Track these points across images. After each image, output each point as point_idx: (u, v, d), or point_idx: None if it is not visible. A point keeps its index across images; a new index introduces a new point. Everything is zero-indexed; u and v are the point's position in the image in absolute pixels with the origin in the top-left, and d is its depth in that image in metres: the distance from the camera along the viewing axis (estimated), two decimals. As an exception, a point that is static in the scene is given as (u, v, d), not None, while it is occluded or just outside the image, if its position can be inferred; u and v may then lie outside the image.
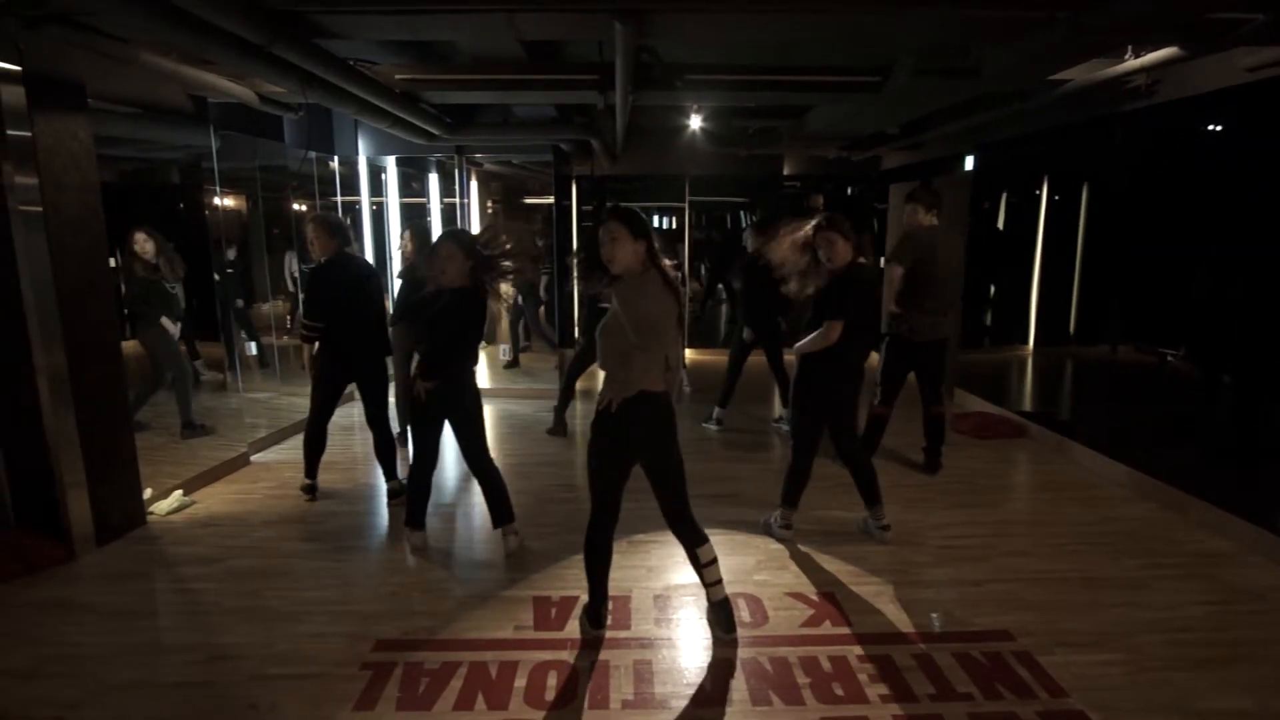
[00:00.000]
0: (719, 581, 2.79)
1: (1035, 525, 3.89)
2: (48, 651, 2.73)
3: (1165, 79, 3.97)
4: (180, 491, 4.18)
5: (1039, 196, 6.81)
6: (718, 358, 6.49)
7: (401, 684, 2.52)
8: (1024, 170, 6.73)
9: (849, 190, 9.69)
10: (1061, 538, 3.70)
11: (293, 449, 5.18)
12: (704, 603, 3.02)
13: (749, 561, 3.43)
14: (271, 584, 3.25)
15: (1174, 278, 4.54)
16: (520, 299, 8.15)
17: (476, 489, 3.65)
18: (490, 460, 3.54)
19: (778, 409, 5.75)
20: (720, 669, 2.61)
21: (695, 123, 6.21)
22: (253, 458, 4.98)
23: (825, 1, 2.87)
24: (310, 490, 4.24)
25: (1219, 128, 4.30)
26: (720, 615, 2.79)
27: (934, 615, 2.97)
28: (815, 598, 3.10)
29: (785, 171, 8.73)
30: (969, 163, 6.63)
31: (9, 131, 3.17)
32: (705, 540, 2.76)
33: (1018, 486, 4.64)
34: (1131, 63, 3.64)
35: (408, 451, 5.08)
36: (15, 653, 2.72)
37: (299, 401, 6.11)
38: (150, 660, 2.69)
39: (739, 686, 2.51)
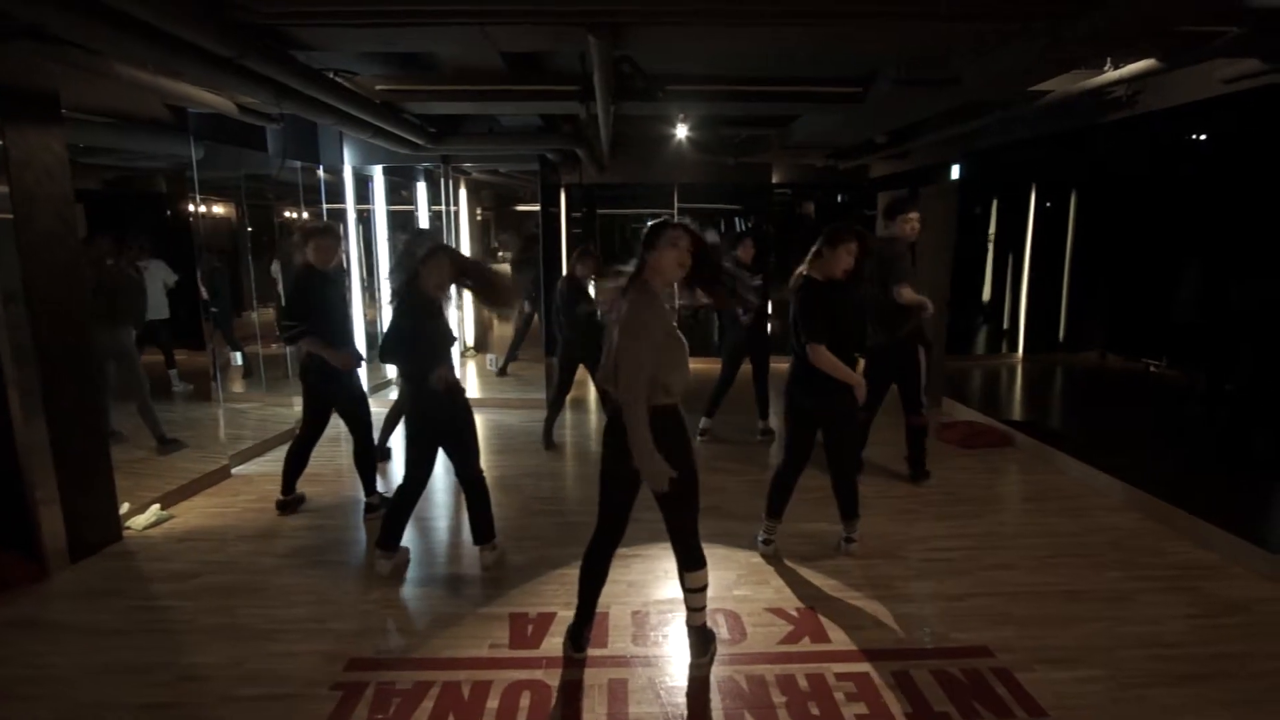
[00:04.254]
0: (699, 609, 2.68)
1: (1019, 537, 3.87)
2: (16, 672, 2.69)
3: (1145, 90, 3.98)
4: (158, 506, 4.14)
5: (1027, 204, 6.82)
6: (709, 366, 6.47)
7: (372, 705, 2.49)
8: (1012, 178, 6.74)
9: (839, 198, 9.70)
10: (1045, 549, 3.68)
11: (275, 461, 5.14)
12: (681, 619, 3.01)
13: (729, 576, 3.40)
14: (246, 601, 3.21)
15: (1156, 286, 4.54)
16: (528, 305, 8.12)
17: (457, 503, 3.62)
18: (480, 473, 3.49)
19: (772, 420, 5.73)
20: (696, 688, 2.58)
21: (682, 132, 6.21)
22: (234, 470, 4.94)
23: (796, 15, 2.86)
24: (284, 506, 4.21)
25: (1201, 137, 4.30)
26: (691, 639, 2.72)
27: (926, 630, 2.94)
28: (795, 613, 3.07)
29: (775, 179, 8.73)
30: (955, 171, 6.64)
31: (-21, 144, 3.14)
32: (698, 567, 2.65)
33: (1003, 497, 4.62)
34: (1111, 74, 3.64)
35: (386, 466, 5.07)
36: (-16, 673, 2.68)
37: (283, 412, 6.08)
38: (120, 680, 2.64)
39: (714, 706, 2.48)
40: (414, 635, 2.95)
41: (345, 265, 4.15)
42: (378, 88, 4.26)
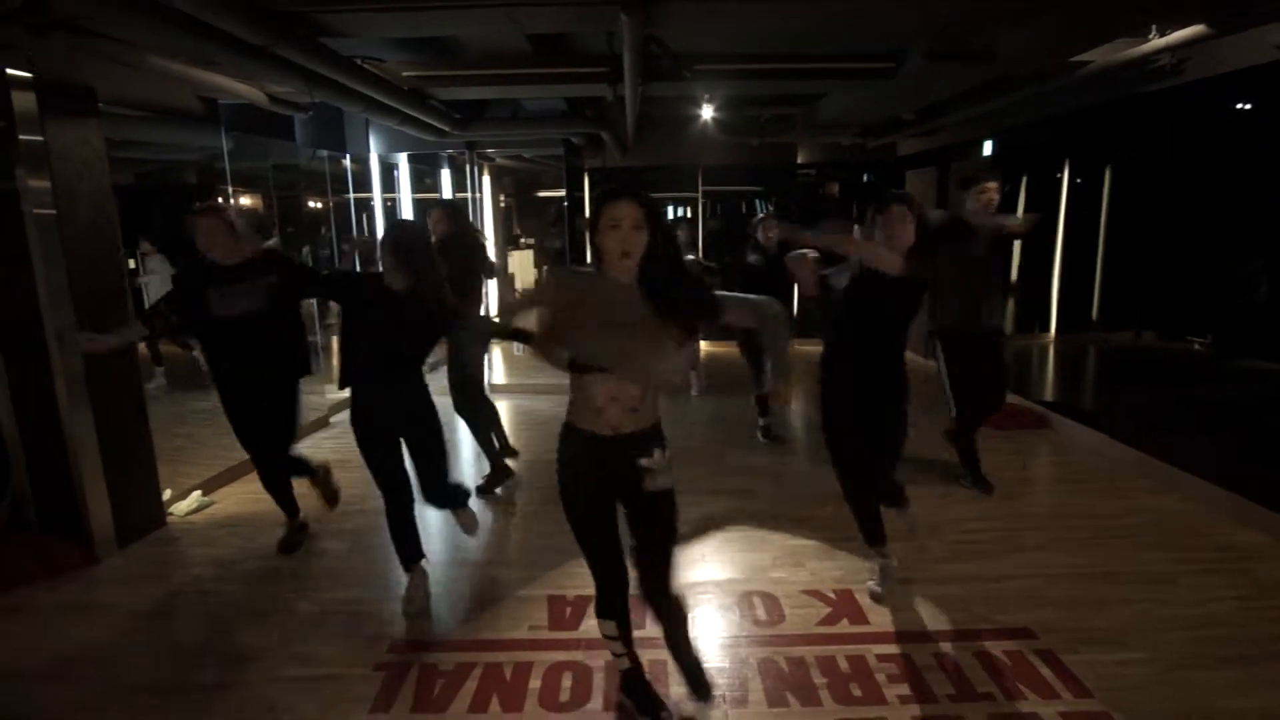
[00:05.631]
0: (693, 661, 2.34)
1: (1056, 518, 3.82)
2: (69, 653, 2.76)
3: (1192, 58, 3.85)
4: (199, 492, 4.23)
5: (1060, 180, 6.67)
6: (729, 349, 6.43)
7: (417, 686, 2.53)
8: (1045, 155, 6.59)
9: (865, 177, 9.56)
10: (1083, 531, 3.63)
11: (311, 446, 5.25)
12: (721, 600, 3.02)
13: (764, 559, 3.40)
14: (288, 585, 3.27)
15: (1200, 263, 4.42)
16: None
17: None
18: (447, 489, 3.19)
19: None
20: (736, 669, 2.59)
21: (707, 113, 6.14)
22: (270, 456, 5.02)
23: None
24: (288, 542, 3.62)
25: (1248, 106, 4.16)
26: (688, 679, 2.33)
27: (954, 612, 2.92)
28: (832, 595, 3.06)
29: (799, 159, 8.63)
30: (987, 148, 6.51)
31: (21, 137, 3.20)
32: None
33: (1038, 479, 4.55)
34: (1156, 42, 3.52)
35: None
36: (37, 655, 2.76)
37: (312, 399, 6.15)
38: (169, 662, 2.72)
39: (755, 687, 2.49)
40: (453, 618, 2.99)
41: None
42: (404, 74, 4.25)
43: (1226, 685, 2.45)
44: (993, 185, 3.79)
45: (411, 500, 3.04)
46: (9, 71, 3.17)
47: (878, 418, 2.93)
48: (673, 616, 2.27)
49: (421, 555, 3.10)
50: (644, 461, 2.05)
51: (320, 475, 3.67)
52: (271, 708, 2.45)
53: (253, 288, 3.20)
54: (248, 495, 4.37)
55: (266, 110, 4.79)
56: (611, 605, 2.25)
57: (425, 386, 3.01)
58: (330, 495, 3.71)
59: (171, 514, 4.01)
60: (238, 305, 3.19)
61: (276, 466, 3.59)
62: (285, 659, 2.71)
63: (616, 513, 2.17)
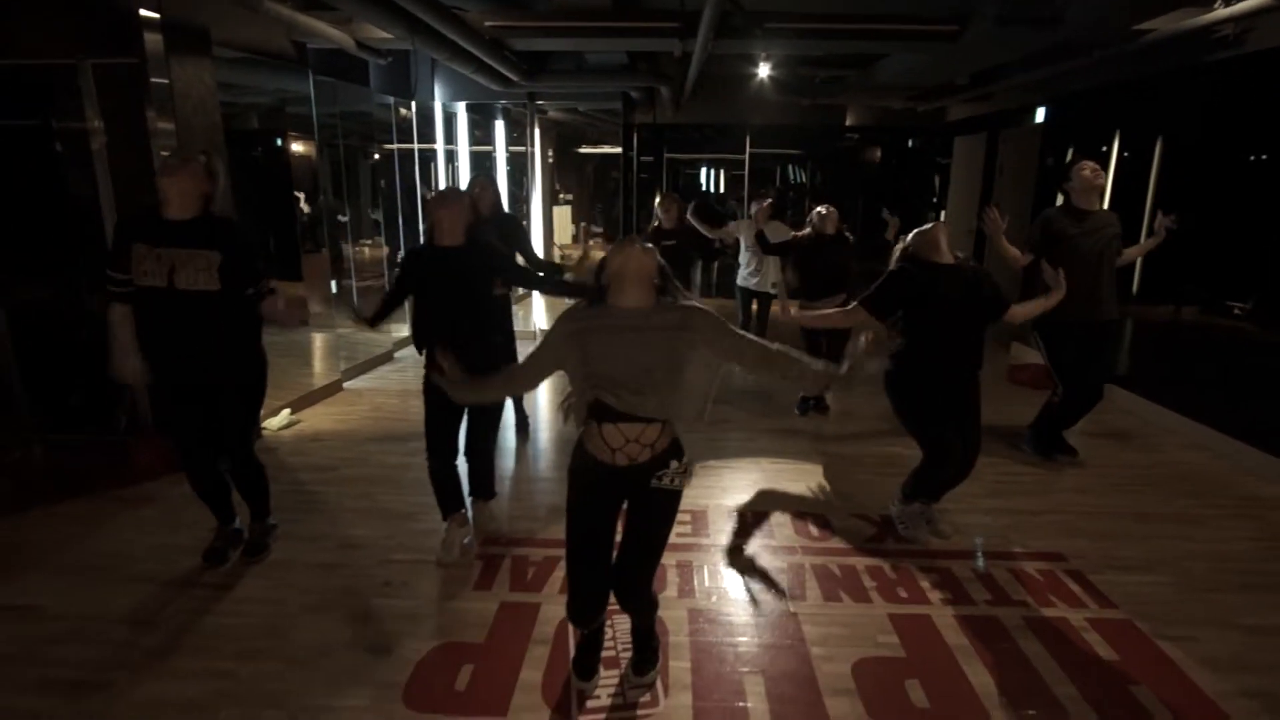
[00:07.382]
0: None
1: (1091, 467, 4.04)
2: (204, 533, 3.13)
3: (1256, 28, 3.93)
4: (289, 410, 4.60)
5: (1108, 154, 6.70)
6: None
7: (512, 572, 2.88)
8: (1098, 124, 6.62)
9: (909, 143, 9.59)
10: (1115, 478, 3.87)
11: (380, 378, 5.64)
12: (776, 518, 3.32)
13: (813, 486, 3.70)
14: (383, 489, 3.63)
15: (1251, 232, 4.52)
16: None
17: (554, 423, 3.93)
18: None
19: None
20: (793, 572, 2.90)
21: (764, 71, 6.27)
22: (345, 384, 5.40)
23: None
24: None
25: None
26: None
27: (978, 540, 3.18)
28: (877, 519, 3.35)
29: (847, 122, 8.69)
30: (1040, 115, 6.57)
31: (152, 80, 3.49)
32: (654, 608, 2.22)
33: (1073, 432, 4.73)
34: (1222, 11, 3.62)
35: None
36: (179, 532, 3.15)
37: (375, 337, 6.50)
38: (290, 545, 3.09)
39: (811, 586, 2.80)
40: (535, 520, 3.33)
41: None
42: (486, 24, 4.47)
43: (1244, 606, 2.70)
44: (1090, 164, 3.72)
45: (454, 459, 3.03)
46: (141, 13, 3.46)
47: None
48: (642, 614, 2.19)
49: (461, 505, 3.08)
50: (660, 477, 1.97)
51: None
52: (387, 583, 2.81)
53: None
54: (330, 415, 4.75)
55: (348, 55, 5.04)
56: (584, 614, 2.11)
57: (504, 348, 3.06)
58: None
59: (265, 429, 4.39)
60: None
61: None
62: (392, 547, 3.07)
63: (618, 517, 2.08)
